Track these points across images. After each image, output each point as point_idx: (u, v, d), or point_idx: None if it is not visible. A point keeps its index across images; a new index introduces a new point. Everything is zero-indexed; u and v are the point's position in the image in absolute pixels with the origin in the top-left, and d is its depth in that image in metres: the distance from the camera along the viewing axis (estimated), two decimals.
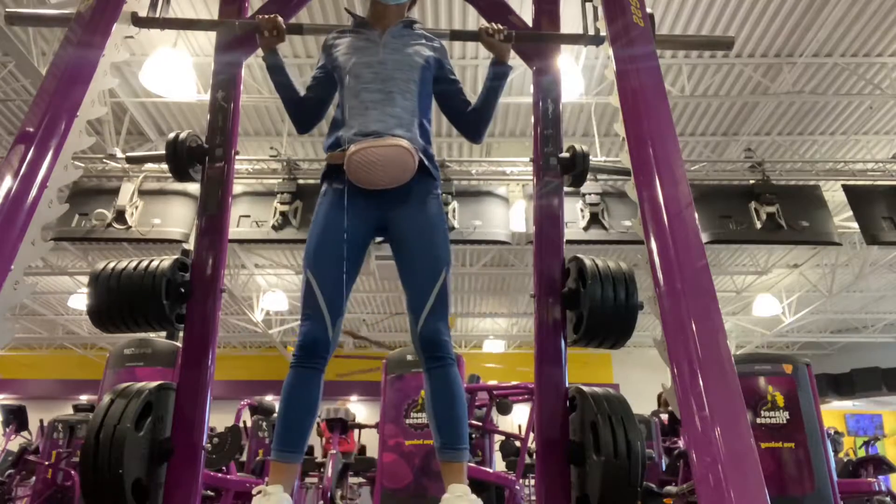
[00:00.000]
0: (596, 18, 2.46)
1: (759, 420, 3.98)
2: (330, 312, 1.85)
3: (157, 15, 2.45)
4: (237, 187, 6.36)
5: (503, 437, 6.31)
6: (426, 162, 2.00)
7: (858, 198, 6.64)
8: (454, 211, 6.37)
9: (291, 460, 1.80)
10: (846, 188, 6.75)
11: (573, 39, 2.55)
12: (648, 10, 2.32)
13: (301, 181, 6.65)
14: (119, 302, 2.33)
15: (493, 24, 2.21)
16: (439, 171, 2.10)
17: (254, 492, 1.73)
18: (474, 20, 5.74)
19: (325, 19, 5.77)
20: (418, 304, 1.87)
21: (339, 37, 2.20)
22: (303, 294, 1.90)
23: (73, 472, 5.38)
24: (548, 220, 2.58)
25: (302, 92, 2.21)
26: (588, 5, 2.50)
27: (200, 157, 2.56)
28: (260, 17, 2.16)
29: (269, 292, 11.46)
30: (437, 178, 2.05)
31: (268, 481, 1.76)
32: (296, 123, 2.26)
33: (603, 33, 2.37)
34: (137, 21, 2.38)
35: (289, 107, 2.22)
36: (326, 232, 1.94)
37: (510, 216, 6.76)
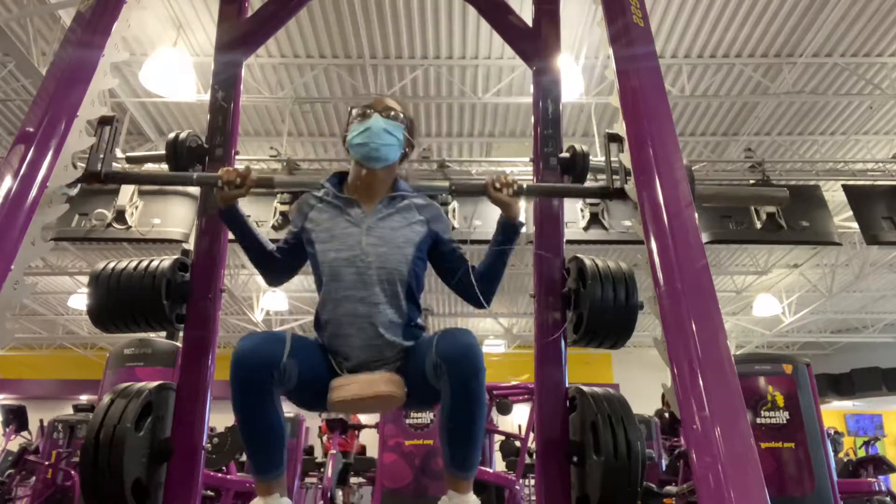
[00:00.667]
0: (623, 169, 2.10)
1: (759, 420, 3.99)
2: (292, 348, 1.70)
3: (99, 169, 2.06)
4: None
5: (503, 437, 6.30)
6: (409, 345, 1.85)
7: (858, 198, 6.64)
8: (454, 211, 6.37)
9: (273, 479, 1.73)
10: (846, 188, 6.74)
11: (594, 193, 2.27)
12: (649, 11, 2.31)
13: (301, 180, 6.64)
14: (119, 302, 2.33)
15: (502, 176, 1.91)
16: (424, 330, 1.94)
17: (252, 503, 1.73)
18: (474, 20, 5.75)
19: (326, 19, 5.77)
20: None
21: (316, 205, 1.95)
22: None
23: (73, 472, 5.38)
24: (548, 220, 2.58)
25: (269, 245, 1.98)
26: (614, 162, 2.11)
27: (200, 157, 2.56)
28: (223, 170, 1.87)
29: (269, 292, 11.46)
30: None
31: (258, 494, 1.73)
32: (266, 278, 2.06)
33: (628, 185, 2.02)
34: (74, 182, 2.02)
35: (257, 263, 2.00)
36: (313, 352, 1.84)
37: None
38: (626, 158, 2.02)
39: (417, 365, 1.75)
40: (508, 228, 1.95)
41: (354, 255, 1.83)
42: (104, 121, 2.13)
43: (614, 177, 2.07)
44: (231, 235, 2.15)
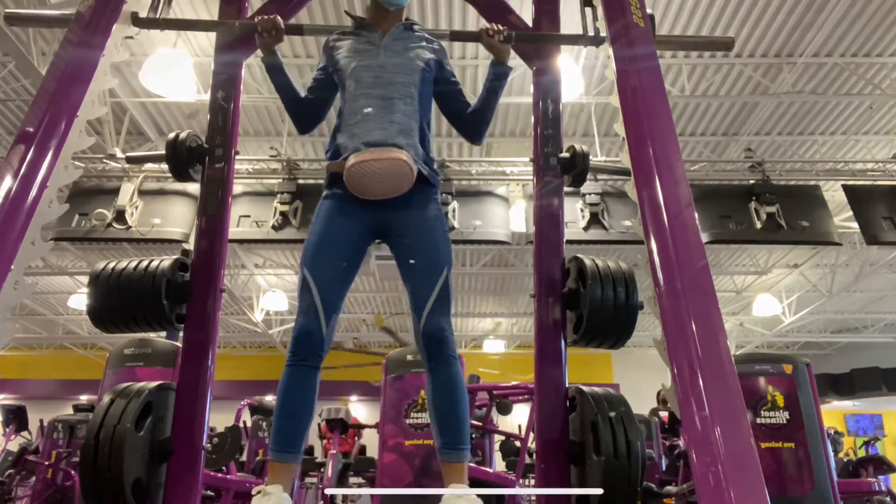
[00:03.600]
0: (595, 19, 2.45)
1: (759, 420, 3.98)
2: (325, 309, 1.85)
3: (158, 15, 2.44)
4: (237, 187, 6.36)
5: (503, 437, 6.30)
6: (425, 171, 1.99)
7: (858, 198, 6.64)
8: (454, 211, 6.36)
9: (290, 460, 1.79)
10: (846, 188, 6.75)
11: (573, 40, 2.53)
12: (648, 10, 2.32)
13: (301, 181, 6.65)
14: (119, 302, 2.33)
15: (494, 24, 2.21)
16: (439, 176, 2.10)
17: (253, 492, 1.73)
18: (474, 20, 5.75)
19: (325, 19, 5.77)
20: (420, 302, 1.87)
21: (339, 38, 2.20)
22: (298, 292, 1.90)
23: (73, 472, 5.38)
24: (548, 220, 2.58)
25: (302, 93, 2.22)
26: (587, 8, 2.49)
27: (200, 157, 2.56)
28: (259, 17, 2.16)
29: (269, 292, 11.46)
30: (436, 184, 2.06)
31: (267, 481, 1.76)
32: (296, 124, 2.28)
33: (603, 33, 2.36)
34: (137, 21, 2.37)
35: (289, 107, 2.23)
36: (325, 233, 1.95)
37: (510, 216, 6.76)
38: (626, 158, 2.03)
39: (416, 253, 1.93)
40: (499, 69, 2.21)
41: (373, 64, 2.07)
42: None
43: (589, 32, 2.42)
44: (230, 233, 2.16)
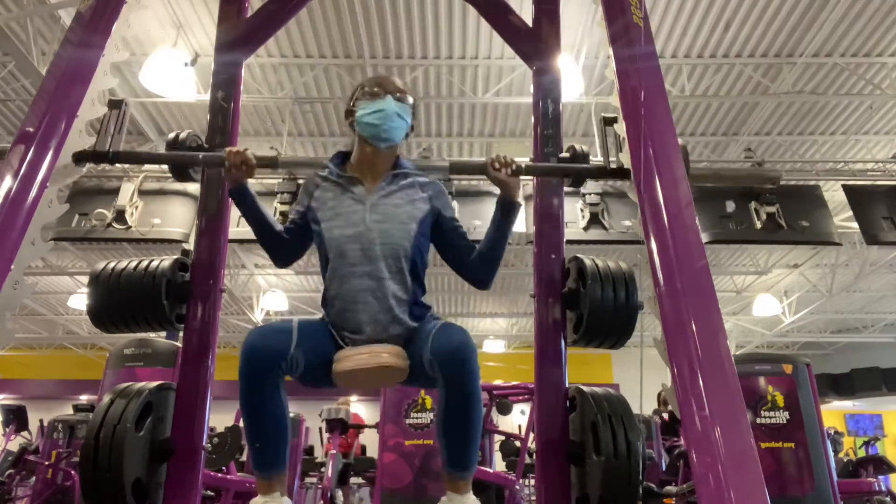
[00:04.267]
0: (620, 150, 2.15)
1: (759, 420, 3.99)
2: (299, 338, 1.74)
3: (107, 149, 2.11)
4: None
5: (503, 437, 6.30)
6: (414, 325, 1.87)
7: (858, 198, 6.63)
8: (454, 209, 6.36)
9: (275, 476, 1.74)
10: (846, 188, 6.74)
11: (592, 173, 2.29)
12: (649, 11, 2.31)
13: (301, 181, 6.64)
14: (119, 302, 2.33)
15: (501, 156, 1.93)
16: (431, 311, 1.95)
17: (251, 503, 1.73)
18: (474, 20, 5.75)
19: (326, 19, 5.77)
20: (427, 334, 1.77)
21: (322, 184, 1.97)
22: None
23: (73, 472, 5.38)
24: (548, 220, 2.58)
25: (277, 226, 2.01)
26: (609, 132, 2.19)
27: None
28: (227, 150, 1.92)
29: (269, 292, 11.47)
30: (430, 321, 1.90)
31: (259, 494, 1.73)
32: (273, 258, 2.07)
33: (627, 165, 2.03)
34: (81, 159, 2.06)
35: (264, 241, 2.02)
36: (320, 336, 1.87)
37: None
38: (625, 158, 2.03)
39: (417, 351, 1.77)
40: (507, 208, 1.94)
41: (359, 232, 1.86)
42: (113, 104, 2.19)
43: (611, 158, 2.12)
44: (230, 233, 2.16)
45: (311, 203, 1.96)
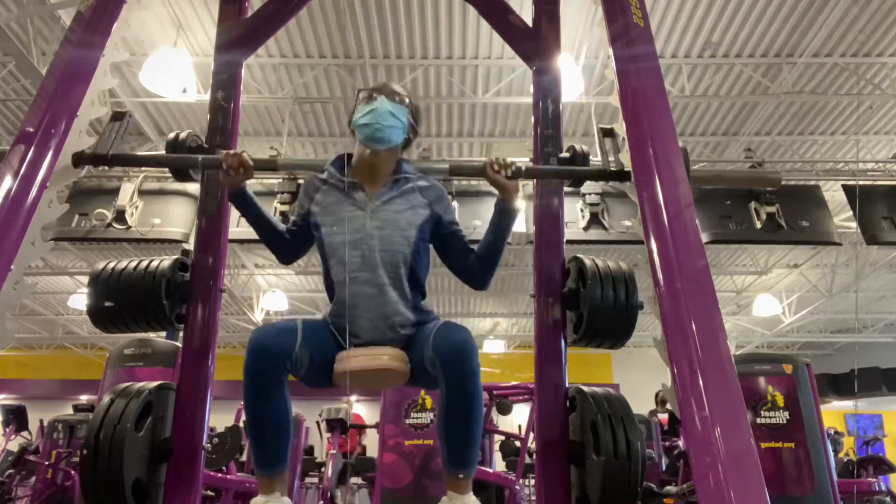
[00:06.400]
0: (618, 151, 2.19)
1: (759, 420, 3.99)
2: (304, 338, 1.75)
3: (107, 152, 2.14)
4: None
5: (503, 437, 6.30)
6: (414, 333, 1.88)
7: (858, 198, 6.63)
8: (454, 211, 6.37)
9: (276, 474, 1.75)
10: (846, 188, 6.74)
11: (593, 175, 2.33)
12: (648, 10, 2.31)
13: (301, 181, 6.65)
14: (119, 302, 2.33)
15: (500, 158, 1.95)
16: (432, 314, 1.97)
17: (252, 503, 1.73)
18: (474, 20, 5.75)
19: (326, 19, 5.77)
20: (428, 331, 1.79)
21: (322, 187, 1.97)
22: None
23: (73, 472, 5.38)
24: (548, 220, 2.58)
25: (279, 226, 2.03)
26: (607, 140, 2.23)
27: None
28: (225, 153, 1.91)
29: (269, 292, 11.47)
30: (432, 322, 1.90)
31: (260, 493, 1.74)
32: (277, 255, 2.09)
33: (627, 167, 2.05)
34: (79, 161, 2.07)
35: (267, 240, 2.04)
36: (324, 336, 1.88)
37: None
38: (626, 158, 2.03)
39: (418, 351, 1.79)
40: (505, 211, 1.96)
41: (359, 238, 1.87)
42: (116, 116, 2.22)
43: (610, 159, 2.15)
44: (230, 233, 2.16)
45: (312, 207, 1.97)
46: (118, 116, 2.22)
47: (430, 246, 2.02)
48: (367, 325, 1.85)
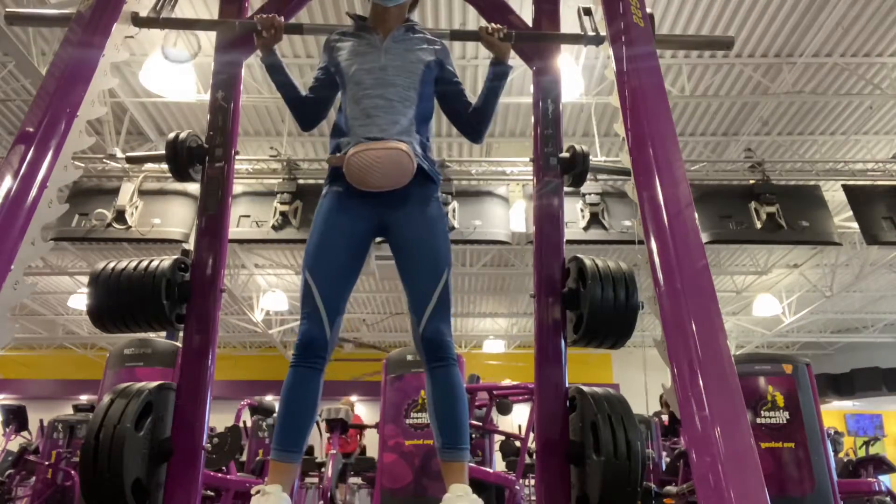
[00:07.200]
0: (593, 20, 2.46)
1: (759, 420, 3.98)
2: (327, 311, 1.87)
3: (158, 15, 2.43)
4: (237, 187, 6.36)
5: (503, 437, 6.30)
6: (426, 166, 2.01)
7: (858, 198, 6.64)
8: (454, 211, 6.36)
9: (291, 460, 1.80)
10: (846, 188, 6.74)
11: (572, 39, 2.51)
12: (648, 10, 2.32)
13: (301, 181, 6.65)
14: (119, 302, 2.33)
15: (493, 23, 2.21)
16: (440, 175, 2.11)
17: (252, 491, 1.73)
18: (474, 20, 5.74)
19: (325, 19, 5.77)
20: (420, 305, 1.89)
21: (340, 39, 2.20)
22: (301, 294, 1.91)
23: (73, 472, 5.38)
24: (548, 220, 2.58)
25: (303, 91, 2.22)
26: (587, 6, 2.49)
27: (200, 157, 2.56)
28: (258, 16, 2.16)
29: (269, 292, 11.46)
30: (437, 181, 2.07)
31: (267, 480, 1.76)
32: (299, 121, 2.29)
33: (602, 33, 2.36)
34: (138, 21, 2.37)
35: (291, 106, 2.24)
36: (326, 233, 1.96)
37: (510, 216, 6.76)
38: (626, 158, 2.03)
39: (417, 253, 1.94)
40: (498, 67, 2.19)
41: (374, 67, 2.07)
42: None
43: (587, 27, 2.42)
44: (230, 233, 2.16)
45: (332, 54, 2.18)
46: None
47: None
48: (376, 125, 1.98)
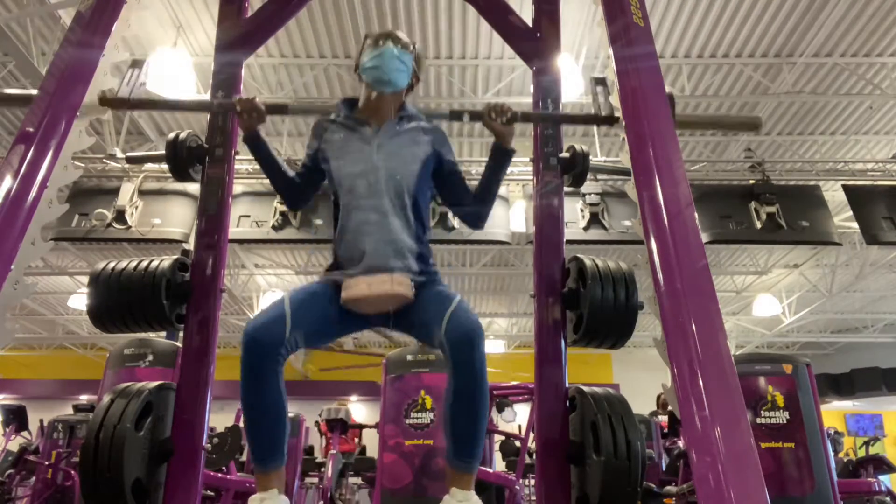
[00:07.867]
0: (608, 94, 2.32)
1: (759, 420, 3.98)
2: (293, 322, 1.76)
3: (129, 95, 2.27)
4: (237, 187, 6.36)
5: (503, 437, 6.30)
6: (424, 280, 1.92)
7: (858, 198, 6.64)
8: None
9: (273, 469, 1.76)
10: (846, 188, 6.75)
11: (585, 120, 2.44)
12: (651, 17, 2.32)
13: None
14: (119, 302, 2.33)
15: (497, 105, 2.05)
16: (437, 271, 2.01)
17: (250, 501, 1.72)
18: (474, 20, 5.75)
19: (326, 19, 5.77)
20: (438, 319, 1.77)
21: (330, 126, 2.07)
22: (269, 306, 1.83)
23: (73, 472, 5.38)
24: (548, 220, 2.58)
25: (290, 172, 2.12)
26: (599, 88, 2.36)
27: (200, 157, 2.56)
28: (238, 97, 2.06)
29: (269, 292, 11.46)
30: (434, 280, 1.96)
31: (258, 490, 1.74)
32: (287, 202, 2.21)
33: (617, 113, 2.19)
34: (105, 101, 2.18)
35: (278, 188, 2.14)
36: (317, 304, 1.87)
37: (510, 216, 6.76)
38: (626, 158, 2.03)
39: (428, 323, 1.80)
40: (501, 153, 2.09)
41: (366, 169, 1.95)
42: (135, 64, 2.39)
43: (601, 101, 2.29)
44: (230, 233, 2.15)
45: (321, 145, 2.06)
46: (137, 64, 2.36)
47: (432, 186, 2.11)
48: (370, 248, 1.89)
